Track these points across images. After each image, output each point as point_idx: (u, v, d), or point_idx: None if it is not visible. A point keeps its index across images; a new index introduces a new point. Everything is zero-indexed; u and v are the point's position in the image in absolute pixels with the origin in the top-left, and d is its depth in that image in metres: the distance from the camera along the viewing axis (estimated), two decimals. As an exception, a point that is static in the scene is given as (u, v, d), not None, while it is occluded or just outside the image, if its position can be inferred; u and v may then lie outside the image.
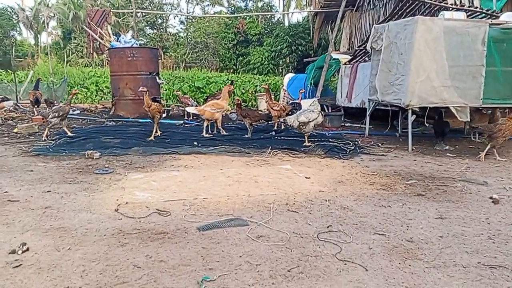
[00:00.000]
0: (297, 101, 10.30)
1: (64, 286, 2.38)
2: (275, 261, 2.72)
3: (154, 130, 7.69)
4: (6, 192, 4.27)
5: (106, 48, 14.14)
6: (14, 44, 36.69)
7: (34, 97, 11.60)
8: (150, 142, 7.27)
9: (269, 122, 8.98)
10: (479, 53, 6.92)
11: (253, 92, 19.15)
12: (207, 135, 7.86)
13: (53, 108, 8.24)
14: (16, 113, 12.03)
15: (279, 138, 7.89)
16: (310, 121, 7.00)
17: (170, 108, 13.04)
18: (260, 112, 8.96)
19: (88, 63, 28.54)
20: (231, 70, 29.51)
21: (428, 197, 4.29)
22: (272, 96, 9.96)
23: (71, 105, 10.01)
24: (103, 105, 15.85)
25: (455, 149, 7.29)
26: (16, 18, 40.02)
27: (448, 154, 6.82)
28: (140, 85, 10.73)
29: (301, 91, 9.89)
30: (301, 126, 7.06)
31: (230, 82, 11.25)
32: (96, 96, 18.69)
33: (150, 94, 8.00)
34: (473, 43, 6.92)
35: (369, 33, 10.27)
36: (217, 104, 8.04)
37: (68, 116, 8.25)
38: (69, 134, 7.66)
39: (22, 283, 2.41)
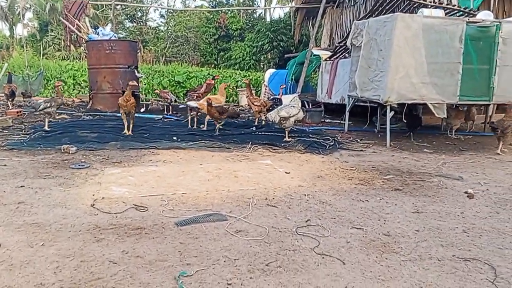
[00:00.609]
0: (278, 96, 10.35)
1: (37, 283, 2.32)
2: (253, 256, 2.71)
3: (129, 125, 7.39)
4: (-23, 187, 4.14)
5: (84, 41, 13.86)
6: (-12, 35, 35.63)
7: (9, 90, 11.33)
8: (128, 136, 7.13)
9: (237, 119, 9.15)
10: (457, 51, 7.05)
11: (234, 88, 19.08)
12: (203, 127, 8.14)
13: (45, 99, 8.16)
14: (-10, 107, 11.69)
15: (259, 133, 7.88)
16: (291, 117, 7.02)
17: (149, 102, 12.88)
18: (229, 109, 8.77)
19: (65, 56, 27.91)
20: (212, 65, 29.31)
21: (405, 191, 4.35)
22: (253, 92, 9.99)
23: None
24: (80, 99, 15.55)
25: (432, 145, 7.41)
26: (-10, 9, 38.82)
27: (425, 150, 6.93)
28: (118, 78, 10.56)
29: (282, 87, 9.91)
30: (281, 121, 7.07)
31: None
32: (73, 90, 18.32)
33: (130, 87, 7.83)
34: (451, 41, 7.04)
35: (349, 30, 10.35)
36: (215, 99, 8.07)
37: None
38: (46, 128, 7.49)
39: (-7, 280, 2.34)
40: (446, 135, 8.38)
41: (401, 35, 6.86)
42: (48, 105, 7.54)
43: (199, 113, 8.38)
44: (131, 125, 7.45)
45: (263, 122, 8.79)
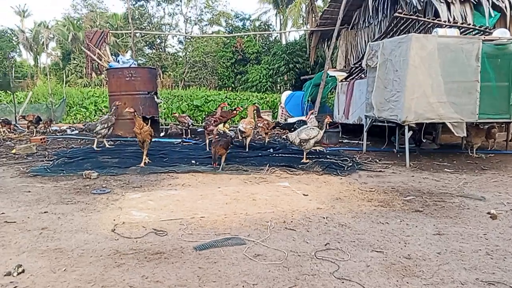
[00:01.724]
0: (304, 118, 10.51)
1: (59, 309, 2.36)
2: (272, 280, 2.70)
3: (145, 155, 7.03)
4: (3, 213, 4.25)
5: (105, 69, 14.27)
6: (13, 65, 37.01)
7: (35, 117, 11.76)
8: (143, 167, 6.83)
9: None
10: (474, 69, 7.01)
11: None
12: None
13: (101, 119, 8.46)
14: (15, 134, 12.06)
15: (276, 155, 7.91)
16: (311, 139, 7.08)
17: (169, 127, 13.09)
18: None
19: (87, 83, 28.75)
20: (230, 88, 29.72)
21: (426, 213, 4.28)
22: (269, 114, 10.24)
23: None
24: (82, 126, 15.92)
25: (452, 164, 7.30)
26: (16, 39, 40.47)
27: (445, 169, 6.83)
28: (138, 104, 10.79)
29: (311, 112, 10.05)
30: (302, 143, 7.15)
31: (254, 103, 11.72)
32: (94, 115, 18.78)
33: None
34: (467, 59, 7.01)
35: (364, 51, 10.40)
36: (251, 122, 8.88)
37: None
38: (107, 146, 7.70)
39: (17, 306, 2.39)
40: (467, 154, 8.25)
41: (416, 55, 6.87)
42: (105, 126, 7.77)
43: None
44: (143, 156, 7.02)
45: (266, 143, 9.35)
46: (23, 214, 4.23)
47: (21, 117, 13.46)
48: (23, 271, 2.83)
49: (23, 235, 3.58)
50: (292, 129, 10.34)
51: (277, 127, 12.17)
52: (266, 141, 9.46)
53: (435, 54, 6.92)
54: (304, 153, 7.25)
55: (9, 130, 11.98)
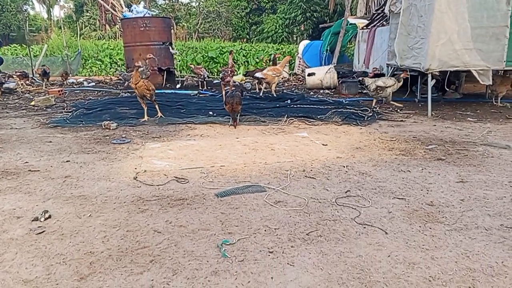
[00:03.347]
0: (378, 70, 10.17)
1: (87, 251, 2.42)
2: (293, 225, 2.72)
3: (157, 108, 6.79)
4: (26, 162, 4.34)
5: (119, 19, 14.03)
6: (27, 18, 36.71)
7: (41, 70, 11.87)
8: (144, 121, 6.58)
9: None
10: (503, 14, 6.63)
11: (267, 61, 18.88)
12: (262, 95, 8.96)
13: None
14: (33, 86, 12.14)
15: (295, 106, 7.80)
16: (387, 87, 7.30)
17: (184, 78, 12.98)
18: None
19: (101, 35, 28.43)
20: (244, 40, 29.10)
21: (449, 161, 4.21)
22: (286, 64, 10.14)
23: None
24: (117, 77, 15.87)
25: (476, 113, 7.11)
26: (28, -9, 39.89)
27: (468, 118, 6.66)
28: (154, 55, 10.65)
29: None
30: (378, 90, 7.44)
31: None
32: (110, 68, 18.70)
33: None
34: (497, 3, 6.62)
35: (387, -4, 9.92)
36: (276, 69, 8.96)
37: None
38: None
39: (46, 248, 2.46)
40: (491, 103, 8.00)
41: (443, -1, 6.51)
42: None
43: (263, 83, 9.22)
44: (156, 106, 6.76)
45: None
46: (46, 163, 4.31)
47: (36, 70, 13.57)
48: (49, 216, 2.91)
49: (47, 183, 3.66)
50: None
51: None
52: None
53: (463, -2, 6.54)
54: (374, 101, 7.66)
55: (27, 83, 12.07)
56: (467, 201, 3.11)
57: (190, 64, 14.72)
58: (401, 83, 7.51)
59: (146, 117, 6.65)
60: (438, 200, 3.13)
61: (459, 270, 2.16)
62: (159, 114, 6.82)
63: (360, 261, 2.27)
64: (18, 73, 11.83)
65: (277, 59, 10.48)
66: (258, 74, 9.26)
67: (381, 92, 7.45)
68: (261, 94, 9.25)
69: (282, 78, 9.52)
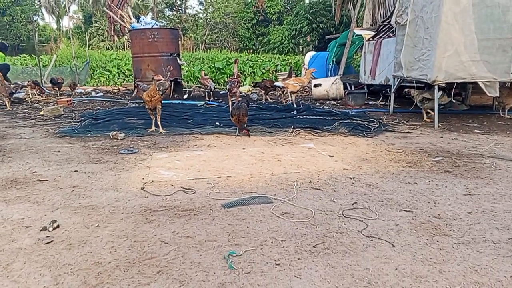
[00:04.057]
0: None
1: (95, 261, 2.44)
2: (300, 237, 2.72)
3: (156, 122, 6.73)
4: (35, 172, 4.38)
5: (127, 30, 14.20)
6: (37, 29, 37.23)
7: (54, 80, 12.18)
8: (151, 132, 6.63)
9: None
10: (510, 26, 6.64)
11: (274, 72, 19.00)
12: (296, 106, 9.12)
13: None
14: (42, 96, 12.29)
15: (301, 117, 7.82)
16: (431, 99, 7.38)
17: (192, 89, 13.07)
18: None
19: (109, 46, 28.78)
20: (251, 51, 29.28)
21: (456, 173, 4.19)
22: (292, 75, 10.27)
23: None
24: (125, 87, 16.02)
25: (483, 125, 7.09)
26: (38, 3, 40.53)
27: (476, 130, 6.64)
28: (161, 66, 10.75)
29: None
30: (424, 101, 7.58)
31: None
32: (118, 78, 18.89)
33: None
34: (503, 15, 6.63)
35: (393, 8, 9.99)
36: (299, 80, 9.33)
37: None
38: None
39: (54, 258, 2.48)
40: (498, 115, 7.98)
41: (449, 11, 6.54)
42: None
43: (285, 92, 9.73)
44: (158, 121, 6.71)
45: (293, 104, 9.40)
46: (55, 173, 4.35)
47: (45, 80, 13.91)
48: (58, 226, 2.93)
49: (55, 193, 3.69)
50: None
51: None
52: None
53: (470, 10, 6.56)
54: (424, 112, 7.76)
55: (38, 92, 12.32)
56: (475, 214, 3.09)
57: (203, 71, 14.81)
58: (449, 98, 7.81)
59: (153, 128, 6.70)
60: (445, 213, 3.12)
61: (467, 284, 2.15)
62: (156, 128, 6.72)
63: (367, 274, 2.27)
64: (31, 82, 12.18)
65: (293, 70, 11.13)
66: (278, 83, 9.74)
67: (427, 102, 7.57)
68: (264, 101, 9.83)
69: (301, 89, 9.76)
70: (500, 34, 6.66)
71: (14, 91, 10.41)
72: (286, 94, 10.23)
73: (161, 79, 7.04)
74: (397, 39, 8.17)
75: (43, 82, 15.02)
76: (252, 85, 13.22)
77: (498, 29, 6.65)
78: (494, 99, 8.25)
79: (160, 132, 6.60)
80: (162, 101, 6.83)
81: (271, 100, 10.95)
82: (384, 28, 11.18)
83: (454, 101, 8.17)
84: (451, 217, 3.04)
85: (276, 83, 9.84)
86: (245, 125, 6.38)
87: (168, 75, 8.71)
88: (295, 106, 8.97)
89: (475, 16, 6.58)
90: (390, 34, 10.48)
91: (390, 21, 9.11)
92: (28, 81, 12.73)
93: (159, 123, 6.72)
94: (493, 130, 6.64)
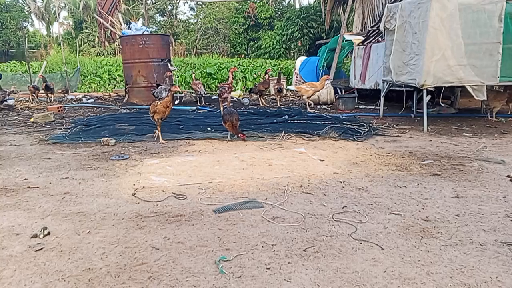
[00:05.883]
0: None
1: (86, 268, 2.44)
2: (290, 241, 2.75)
3: (159, 132, 6.52)
4: (25, 179, 4.36)
5: (118, 36, 14.20)
6: (27, 35, 36.98)
7: (44, 85, 12.35)
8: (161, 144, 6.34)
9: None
10: (496, 30, 6.75)
11: (265, 76, 19.04)
12: (311, 110, 9.51)
13: (164, 87, 8.33)
14: (32, 103, 12.22)
15: (292, 121, 7.87)
16: None
17: (183, 94, 13.08)
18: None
19: (100, 52, 28.71)
20: (242, 55, 29.36)
21: (444, 176, 4.25)
22: (284, 80, 10.48)
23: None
24: (116, 93, 15.97)
25: (471, 128, 7.18)
26: (28, 9, 40.29)
27: (464, 133, 6.73)
28: (152, 72, 10.75)
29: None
30: None
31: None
32: (109, 84, 18.83)
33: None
34: (489, 20, 6.74)
35: (382, 13, 10.10)
36: (312, 85, 9.66)
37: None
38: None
39: (45, 265, 2.48)
40: (486, 118, 8.09)
41: (436, 16, 6.63)
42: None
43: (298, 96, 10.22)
44: (159, 131, 6.49)
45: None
46: (45, 179, 4.33)
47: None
48: (48, 233, 2.93)
49: (46, 200, 3.68)
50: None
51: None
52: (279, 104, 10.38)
53: (456, 15, 6.67)
54: None
55: (36, 96, 12.62)
56: (462, 216, 3.14)
57: (193, 74, 14.80)
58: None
59: (162, 140, 6.38)
60: (433, 216, 3.17)
61: (454, 286, 2.19)
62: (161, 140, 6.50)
63: (356, 276, 2.30)
64: (31, 86, 12.69)
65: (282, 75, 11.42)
66: (291, 87, 10.48)
67: None
68: (260, 104, 10.19)
69: (314, 93, 9.98)
70: (487, 38, 6.77)
71: (3, 98, 10.36)
72: (281, 98, 10.47)
73: (178, 90, 6.88)
74: (386, 44, 8.26)
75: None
76: (248, 92, 13.48)
77: (485, 33, 6.76)
78: (482, 102, 8.37)
79: (161, 143, 6.32)
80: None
81: (262, 105, 11.01)
82: (374, 33, 11.31)
83: (442, 104, 8.28)
84: (439, 220, 3.09)
85: (289, 87, 10.38)
86: (239, 129, 6.42)
87: (167, 81, 8.68)
88: (308, 109, 9.26)
89: (461, 21, 6.68)
90: (379, 39, 10.60)
91: (379, 26, 9.21)
92: (28, 86, 13.29)
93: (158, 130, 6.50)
94: (481, 133, 6.73)
